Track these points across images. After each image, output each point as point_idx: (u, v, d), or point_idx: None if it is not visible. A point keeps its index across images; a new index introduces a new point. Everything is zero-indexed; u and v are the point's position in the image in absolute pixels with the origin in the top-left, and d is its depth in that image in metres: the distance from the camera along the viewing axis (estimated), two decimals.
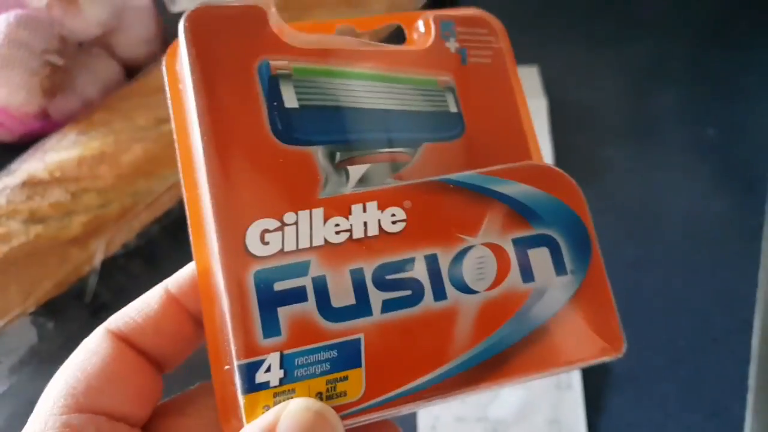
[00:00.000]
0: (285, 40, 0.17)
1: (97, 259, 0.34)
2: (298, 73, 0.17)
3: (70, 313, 0.34)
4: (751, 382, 0.33)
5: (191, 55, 0.16)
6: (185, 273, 0.17)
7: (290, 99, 0.17)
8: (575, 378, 0.33)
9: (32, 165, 0.34)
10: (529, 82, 0.43)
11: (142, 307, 0.17)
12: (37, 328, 0.32)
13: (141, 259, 0.36)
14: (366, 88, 0.17)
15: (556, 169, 0.17)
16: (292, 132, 0.16)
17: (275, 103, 0.17)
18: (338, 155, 0.17)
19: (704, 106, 0.42)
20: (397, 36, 0.20)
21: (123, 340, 0.16)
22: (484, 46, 0.19)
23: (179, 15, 0.42)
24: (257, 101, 0.16)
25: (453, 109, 0.18)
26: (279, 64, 0.17)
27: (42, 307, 0.33)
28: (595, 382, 0.33)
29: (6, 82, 0.35)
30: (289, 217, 0.15)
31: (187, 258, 0.17)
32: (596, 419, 0.32)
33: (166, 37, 0.42)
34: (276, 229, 0.15)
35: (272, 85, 0.17)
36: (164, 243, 0.36)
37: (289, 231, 0.15)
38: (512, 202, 0.17)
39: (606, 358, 0.17)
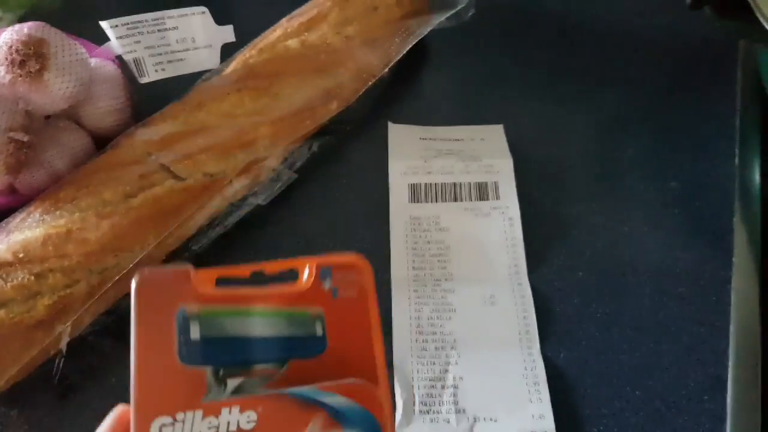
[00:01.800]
0: (201, 291, 0.24)
1: (64, 342, 0.33)
2: (205, 314, 0.24)
3: (35, 398, 0.33)
4: None
5: (136, 304, 0.24)
6: None
7: (194, 332, 0.24)
8: None
9: None
10: (495, 140, 0.44)
11: None
12: None
13: (111, 337, 0.35)
14: (253, 321, 0.25)
15: (369, 385, 0.24)
16: (192, 357, 0.23)
17: (182, 337, 0.23)
18: (221, 371, 0.24)
19: (666, 159, 0.43)
20: None
21: None
22: (352, 285, 0.27)
23: (149, 84, 0.42)
24: (172, 335, 0.24)
25: (319, 333, 0.25)
26: (191, 308, 0.24)
27: (5, 394, 0.32)
28: None
29: None
30: (180, 415, 0.22)
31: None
32: None
33: (136, 106, 0.42)
34: (170, 424, 0.22)
35: (184, 323, 0.24)
36: None
37: (178, 426, 0.22)
38: (332, 410, 0.23)
39: None
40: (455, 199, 0.41)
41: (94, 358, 0.35)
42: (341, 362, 0.25)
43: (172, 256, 0.37)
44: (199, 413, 0.23)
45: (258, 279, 0.27)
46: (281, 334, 0.25)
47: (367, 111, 0.44)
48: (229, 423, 0.23)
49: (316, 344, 0.26)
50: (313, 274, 0.26)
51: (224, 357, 0.24)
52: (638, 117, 0.45)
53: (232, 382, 0.24)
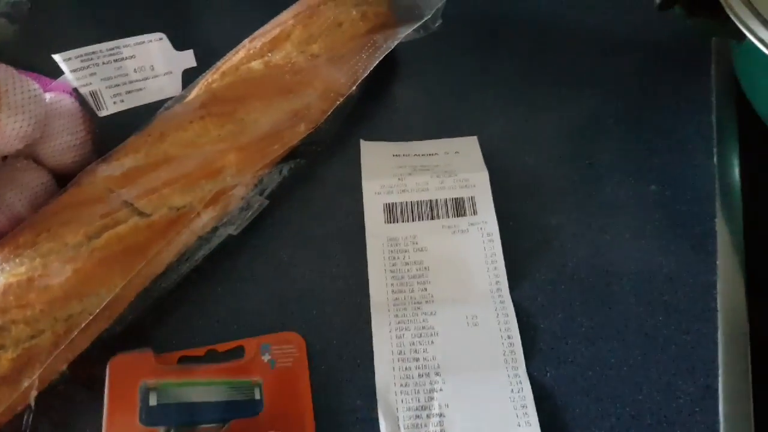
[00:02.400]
0: (161, 368, 0.34)
1: (32, 396, 0.31)
2: (162, 386, 0.33)
3: None
4: None
5: (109, 380, 0.33)
6: None
7: (152, 400, 0.32)
8: None
9: None
10: (470, 153, 0.43)
11: None
12: None
13: (82, 385, 0.34)
14: (201, 390, 0.33)
15: None
16: (148, 420, 0.32)
17: (142, 404, 0.32)
18: (171, 430, 0.32)
19: (644, 162, 0.42)
20: None
21: None
22: (288, 356, 0.34)
23: (110, 116, 0.40)
24: (135, 403, 0.32)
25: (258, 397, 0.33)
26: (151, 382, 0.33)
27: None
28: None
29: None
30: None
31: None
32: None
33: (97, 140, 0.41)
34: None
35: (144, 393, 0.33)
36: (104, 364, 0.34)
37: None
38: None
39: None
40: (432, 217, 0.40)
41: (65, 409, 0.33)
42: (275, 420, 0.32)
43: (142, 296, 0.36)
44: None
45: (211, 356, 0.35)
46: (225, 399, 0.33)
47: (338, 130, 0.43)
48: None
49: (254, 406, 0.33)
50: (255, 350, 0.34)
51: (175, 419, 0.32)
52: (614, 121, 0.44)
53: None
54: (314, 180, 0.42)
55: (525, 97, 0.45)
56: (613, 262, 0.38)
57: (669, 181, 0.42)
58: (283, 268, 0.39)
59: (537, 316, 0.37)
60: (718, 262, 0.38)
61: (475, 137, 0.43)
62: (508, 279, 0.38)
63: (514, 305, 0.36)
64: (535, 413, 0.33)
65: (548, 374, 0.34)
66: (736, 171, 0.42)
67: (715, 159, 0.42)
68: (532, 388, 0.34)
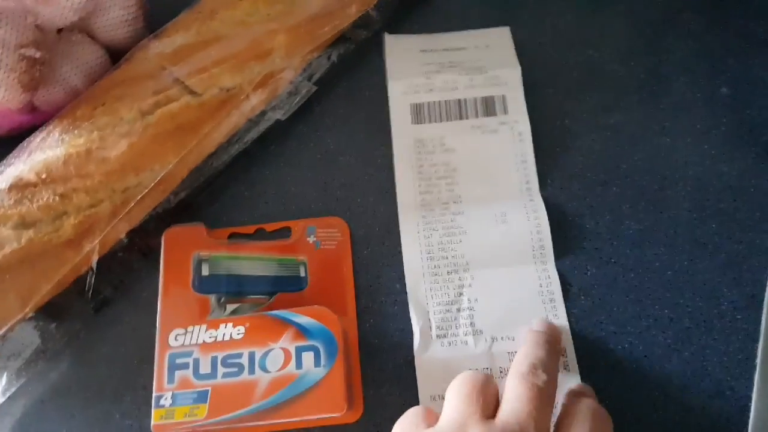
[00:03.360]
0: (212, 242, 0.35)
1: (94, 260, 0.34)
2: (213, 258, 0.35)
3: (71, 312, 0.34)
4: (759, 360, 0.32)
5: (164, 250, 0.35)
6: None
7: (205, 271, 0.35)
8: (571, 363, 0.32)
9: (18, 167, 0.33)
10: (502, 46, 0.40)
11: None
12: (39, 331, 0.33)
13: (139, 253, 0.36)
14: (250, 264, 0.35)
15: (327, 310, 0.32)
16: (201, 288, 0.34)
17: (196, 273, 0.35)
18: (222, 298, 0.34)
19: (719, 62, 0.39)
20: None
21: None
22: (332, 239, 0.36)
23: None
24: (188, 272, 0.35)
25: (303, 274, 0.35)
26: (204, 254, 0.35)
27: (42, 310, 0.33)
28: (590, 364, 0.32)
29: None
30: (190, 328, 0.32)
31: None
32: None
33: (148, 16, 0.40)
34: (183, 334, 0.32)
35: (197, 264, 0.35)
36: (159, 235, 0.36)
37: (188, 335, 0.32)
38: (300, 326, 0.31)
39: (333, 415, 0.30)
40: (461, 117, 0.38)
41: (123, 274, 0.36)
42: (318, 297, 0.34)
43: (194, 173, 0.37)
44: (203, 327, 0.32)
45: (260, 235, 0.36)
46: (272, 274, 0.35)
47: (390, 13, 0.41)
48: (224, 334, 0.32)
49: (299, 282, 0.35)
50: (301, 231, 0.36)
51: (226, 288, 0.34)
52: (688, 16, 0.41)
53: (230, 307, 0.34)
54: (362, 68, 0.41)
55: None
56: (671, 166, 0.37)
57: (742, 85, 0.39)
58: (330, 155, 0.39)
59: (584, 216, 0.36)
60: None
61: (507, 28, 0.40)
62: (556, 179, 0.37)
63: (556, 206, 0.36)
64: (564, 307, 0.33)
65: (588, 272, 0.34)
66: None
67: None
68: (573, 286, 0.34)
